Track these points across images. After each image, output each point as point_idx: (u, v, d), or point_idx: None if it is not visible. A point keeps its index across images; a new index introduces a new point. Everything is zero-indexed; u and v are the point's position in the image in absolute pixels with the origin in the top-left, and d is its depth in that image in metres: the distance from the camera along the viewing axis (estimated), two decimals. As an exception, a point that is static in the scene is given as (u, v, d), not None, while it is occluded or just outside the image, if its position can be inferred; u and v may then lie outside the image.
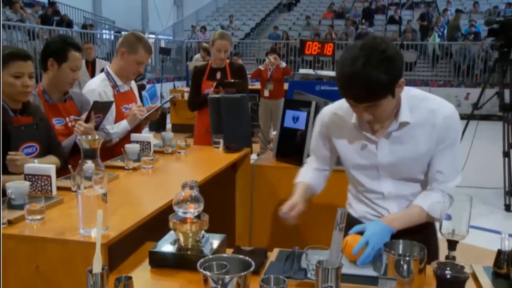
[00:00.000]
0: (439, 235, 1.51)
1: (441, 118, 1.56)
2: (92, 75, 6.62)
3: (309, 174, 1.86)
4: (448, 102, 1.61)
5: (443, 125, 1.56)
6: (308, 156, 1.98)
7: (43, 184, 1.93)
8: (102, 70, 3.02)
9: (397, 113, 1.57)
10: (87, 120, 2.41)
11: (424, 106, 1.58)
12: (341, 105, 1.71)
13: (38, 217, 1.63)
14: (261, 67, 7.29)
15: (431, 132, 1.57)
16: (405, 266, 1.31)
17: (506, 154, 5.01)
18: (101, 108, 2.51)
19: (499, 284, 1.40)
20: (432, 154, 1.59)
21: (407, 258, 1.32)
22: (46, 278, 1.50)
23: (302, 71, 8.10)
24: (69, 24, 13.11)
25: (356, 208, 1.79)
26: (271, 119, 7.11)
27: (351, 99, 1.48)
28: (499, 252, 1.47)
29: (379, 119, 1.54)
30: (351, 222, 1.76)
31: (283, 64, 7.27)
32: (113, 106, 2.81)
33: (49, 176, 1.93)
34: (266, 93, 7.18)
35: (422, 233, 1.62)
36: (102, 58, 10.59)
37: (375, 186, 1.69)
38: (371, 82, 1.39)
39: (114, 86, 2.86)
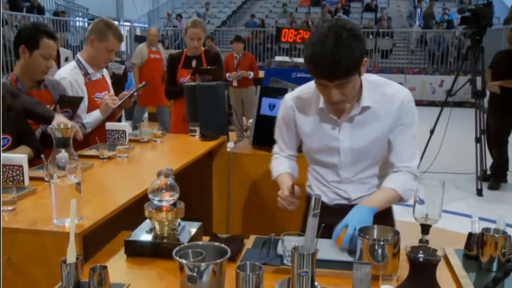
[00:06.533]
0: (412, 219, 1.53)
1: (398, 103, 1.62)
2: (58, 64, 6.39)
3: (284, 164, 1.87)
4: (404, 88, 1.67)
5: (399, 110, 1.62)
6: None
7: (14, 174, 1.88)
8: (66, 59, 2.96)
9: (359, 97, 1.62)
10: None
11: (381, 91, 1.64)
12: (305, 89, 1.74)
13: (10, 207, 1.60)
14: (228, 78, 7.18)
15: (388, 117, 1.63)
16: (379, 251, 1.33)
17: (478, 140, 5.11)
18: (68, 102, 2.45)
19: (469, 266, 1.43)
20: (388, 138, 1.65)
21: (381, 243, 1.34)
22: (18, 269, 1.47)
23: (278, 58, 8.09)
24: (40, 10, 12.72)
25: (315, 188, 1.82)
26: (243, 107, 7.15)
27: (324, 78, 1.49)
28: (470, 235, 1.51)
29: (347, 97, 1.56)
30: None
31: (251, 75, 7.27)
32: (85, 95, 2.77)
33: (21, 166, 1.89)
34: (235, 82, 7.18)
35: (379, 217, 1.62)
36: (76, 46, 10.31)
37: (334, 170, 1.73)
38: (343, 58, 1.42)
39: (85, 74, 2.81)
